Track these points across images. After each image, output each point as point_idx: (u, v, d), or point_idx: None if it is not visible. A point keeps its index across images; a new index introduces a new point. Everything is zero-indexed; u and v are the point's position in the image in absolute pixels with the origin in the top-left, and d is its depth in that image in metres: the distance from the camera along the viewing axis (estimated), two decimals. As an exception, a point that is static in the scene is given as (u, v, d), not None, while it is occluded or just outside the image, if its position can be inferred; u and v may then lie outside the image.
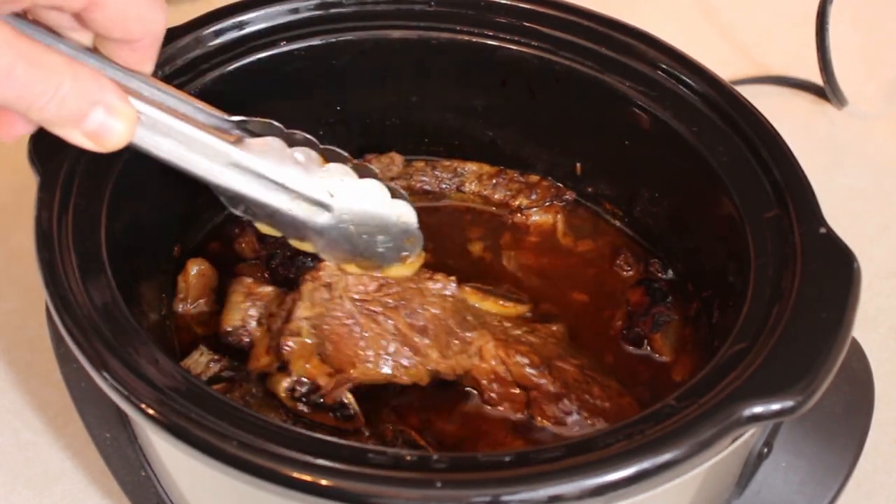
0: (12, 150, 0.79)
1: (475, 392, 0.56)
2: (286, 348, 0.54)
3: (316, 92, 0.65)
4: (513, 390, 0.56)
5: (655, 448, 0.42)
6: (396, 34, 0.63)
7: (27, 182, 0.52)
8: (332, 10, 0.63)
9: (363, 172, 0.54)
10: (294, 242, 0.55)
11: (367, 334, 0.55)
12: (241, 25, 0.61)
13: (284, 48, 0.62)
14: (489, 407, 0.56)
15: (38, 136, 0.53)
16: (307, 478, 0.41)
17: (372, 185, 0.52)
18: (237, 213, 0.52)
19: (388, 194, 0.53)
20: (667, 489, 0.44)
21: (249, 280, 0.58)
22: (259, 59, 0.61)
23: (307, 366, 0.53)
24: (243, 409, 0.45)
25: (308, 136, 0.52)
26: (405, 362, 0.55)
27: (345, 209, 0.52)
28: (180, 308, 0.60)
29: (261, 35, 0.61)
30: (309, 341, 0.54)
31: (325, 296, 0.55)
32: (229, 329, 0.57)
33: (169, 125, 0.48)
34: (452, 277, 0.58)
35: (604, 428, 0.44)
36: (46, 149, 0.52)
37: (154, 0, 0.45)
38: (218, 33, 0.61)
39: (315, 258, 0.56)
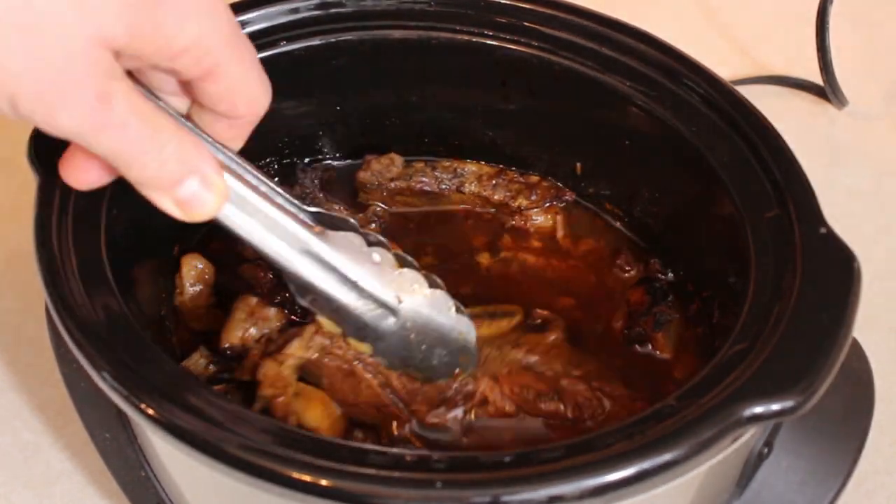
0: (12, 150, 0.79)
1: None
2: (261, 370, 0.54)
3: (316, 92, 0.65)
4: (524, 422, 0.55)
5: (655, 448, 0.42)
6: (396, 34, 0.63)
7: (27, 182, 0.52)
8: (332, 10, 0.63)
9: (431, 282, 0.52)
10: (352, 341, 0.53)
11: (360, 383, 0.54)
12: (240, 25, 0.61)
13: (284, 48, 0.61)
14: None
15: (38, 136, 0.53)
16: (307, 478, 0.41)
17: (440, 296, 0.51)
18: (303, 303, 0.50)
19: (454, 307, 0.52)
20: (667, 489, 0.44)
21: (255, 301, 0.58)
22: (259, 59, 0.61)
23: (270, 392, 0.53)
24: (243, 409, 0.45)
25: (381, 237, 0.51)
26: (389, 418, 0.54)
27: (410, 316, 0.51)
28: (177, 302, 0.60)
29: (261, 35, 0.61)
30: (286, 374, 0.54)
31: (325, 342, 0.54)
32: (227, 346, 0.57)
33: (256, 206, 0.47)
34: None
35: (603, 428, 0.44)
36: (46, 149, 0.52)
37: (263, 80, 0.44)
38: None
39: None
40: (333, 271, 0.49)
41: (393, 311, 0.51)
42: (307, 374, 0.55)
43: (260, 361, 0.55)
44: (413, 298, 0.51)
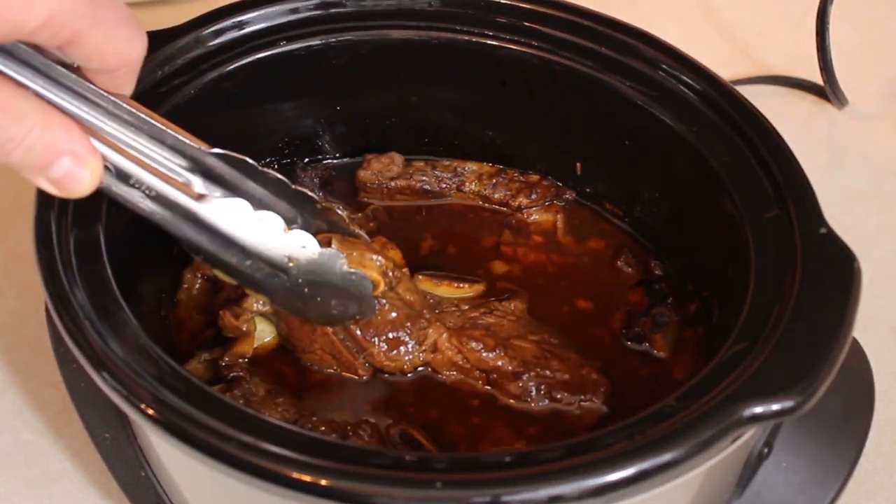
0: (12, 150, 0.79)
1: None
2: (221, 320, 0.57)
3: (316, 92, 0.65)
4: (473, 373, 0.56)
5: (655, 448, 0.42)
6: (396, 34, 0.63)
7: (27, 182, 0.52)
8: (332, 10, 0.63)
9: (329, 223, 0.55)
10: (249, 291, 0.56)
11: (315, 330, 0.56)
12: (240, 25, 0.61)
13: (284, 48, 0.62)
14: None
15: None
16: (307, 478, 0.41)
17: (330, 255, 0.53)
18: (197, 258, 0.53)
19: (346, 264, 0.53)
20: (667, 489, 0.44)
21: None
22: (259, 59, 0.61)
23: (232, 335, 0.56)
24: (243, 409, 0.45)
25: (280, 176, 0.52)
26: (345, 364, 0.56)
27: (301, 274, 0.53)
28: (181, 298, 0.60)
29: (260, 35, 0.61)
30: (243, 327, 0.57)
31: None
32: (203, 275, 0.60)
33: (137, 176, 0.48)
34: (406, 269, 0.58)
35: (604, 429, 0.44)
36: (46, 149, 0.52)
37: (131, 34, 0.45)
38: (218, 33, 0.61)
39: None
40: (217, 235, 0.51)
41: (283, 270, 0.52)
42: (266, 318, 0.58)
43: (220, 312, 0.57)
44: (303, 258, 0.52)
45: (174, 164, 0.50)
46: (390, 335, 0.56)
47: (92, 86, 0.46)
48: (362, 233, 0.56)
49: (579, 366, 0.57)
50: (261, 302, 0.56)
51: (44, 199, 0.51)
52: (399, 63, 0.64)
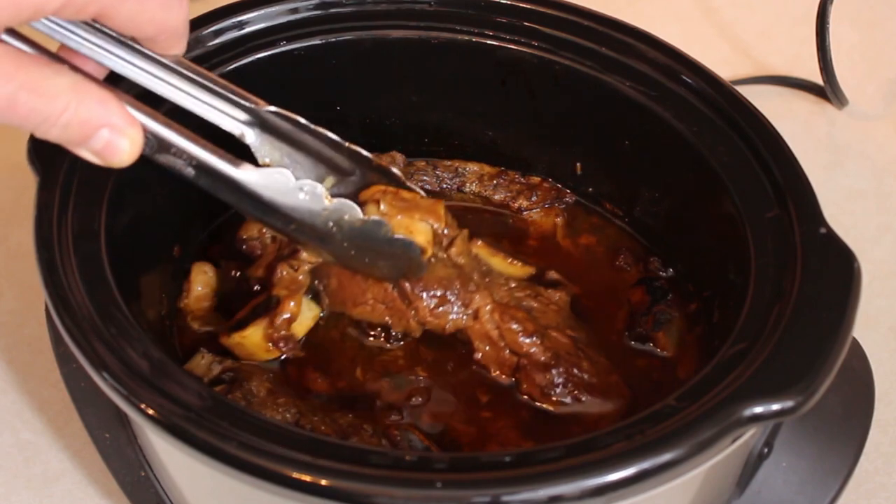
0: (12, 150, 0.79)
1: (484, 374, 0.57)
2: (278, 274, 0.56)
3: (316, 92, 0.65)
4: (503, 354, 0.56)
5: (655, 448, 0.42)
6: (396, 34, 0.63)
7: (27, 182, 0.52)
8: (332, 10, 0.63)
9: (386, 176, 0.56)
10: (299, 245, 0.57)
11: (369, 281, 0.56)
12: (240, 25, 0.61)
13: (284, 48, 0.62)
14: (477, 368, 0.57)
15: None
16: (307, 478, 0.41)
17: (373, 224, 0.53)
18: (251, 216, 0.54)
19: (390, 231, 0.54)
20: (667, 489, 0.44)
21: None
22: (259, 59, 0.61)
23: (291, 304, 0.56)
24: (243, 409, 0.45)
25: (332, 135, 0.54)
26: (398, 313, 0.57)
27: (346, 238, 0.54)
28: (182, 304, 0.60)
29: (260, 35, 0.61)
30: (301, 278, 0.56)
31: None
32: (245, 237, 0.60)
33: (179, 146, 0.49)
34: (465, 231, 0.59)
35: (603, 429, 0.44)
36: (46, 149, 0.52)
37: (166, 2, 0.46)
38: (217, 33, 0.61)
39: None
40: (259, 202, 0.52)
41: (328, 234, 0.53)
42: (318, 275, 0.58)
43: (275, 265, 0.57)
44: (346, 226, 0.53)
45: (230, 117, 0.52)
46: (438, 293, 0.56)
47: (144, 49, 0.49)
48: (418, 189, 0.57)
49: (608, 372, 0.57)
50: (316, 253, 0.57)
51: (44, 199, 0.51)
52: (399, 63, 0.64)
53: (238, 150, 0.53)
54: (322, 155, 0.55)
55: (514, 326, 0.56)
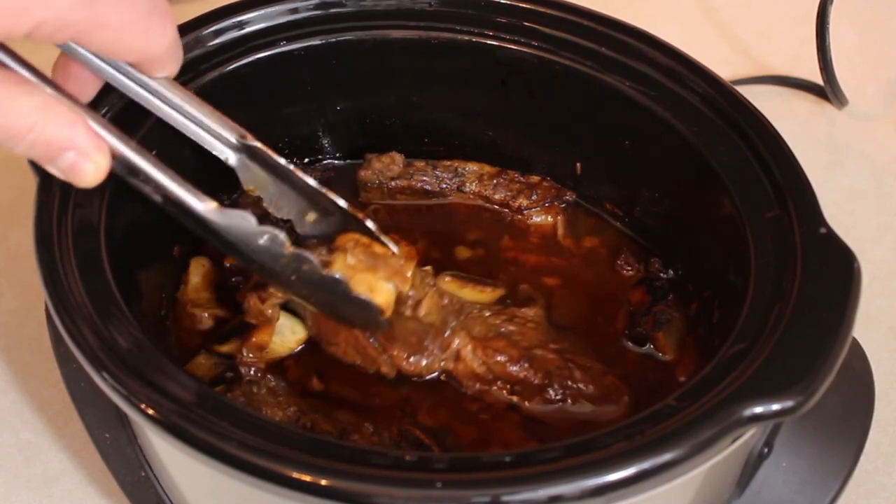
0: (12, 150, 0.79)
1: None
2: (246, 303, 0.56)
3: (316, 92, 0.65)
4: (495, 387, 0.56)
5: (655, 448, 0.42)
6: (396, 34, 0.63)
7: (27, 182, 0.52)
8: (332, 10, 0.63)
9: (359, 228, 0.55)
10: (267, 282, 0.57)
11: (342, 325, 0.56)
12: (240, 25, 0.61)
13: (284, 48, 0.61)
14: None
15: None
16: (307, 478, 0.41)
17: (333, 281, 0.53)
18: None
19: (349, 289, 0.53)
20: (667, 489, 0.44)
21: None
22: (259, 59, 0.61)
23: (263, 336, 0.56)
24: (243, 409, 0.45)
25: (311, 181, 0.55)
26: (368, 359, 0.56)
27: (306, 286, 0.54)
28: (180, 296, 0.60)
29: (260, 35, 0.61)
30: (269, 312, 0.56)
31: None
32: (230, 264, 0.61)
33: (146, 173, 0.49)
34: (428, 267, 0.58)
35: (603, 429, 0.44)
36: (46, 149, 0.52)
37: (146, 30, 0.45)
38: (217, 33, 0.61)
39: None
40: (222, 239, 0.51)
41: (288, 280, 0.53)
42: (293, 306, 0.57)
43: (247, 293, 0.57)
44: (305, 276, 0.53)
45: (217, 139, 0.53)
46: (413, 340, 0.56)
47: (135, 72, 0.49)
48: (392, 245, 0.55)
49: (602, 375, 0.56)
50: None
51: (44, 199, 0.51)
52: (399, 63, 0.64)
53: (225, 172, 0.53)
54: (305, 190, 0.55)
55: (500, 358, 0.56)
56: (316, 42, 0.62)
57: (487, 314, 0.58)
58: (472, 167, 0.67)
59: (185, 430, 0.43)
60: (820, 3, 0.81)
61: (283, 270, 0.52)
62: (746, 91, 0.60)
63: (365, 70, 0.64)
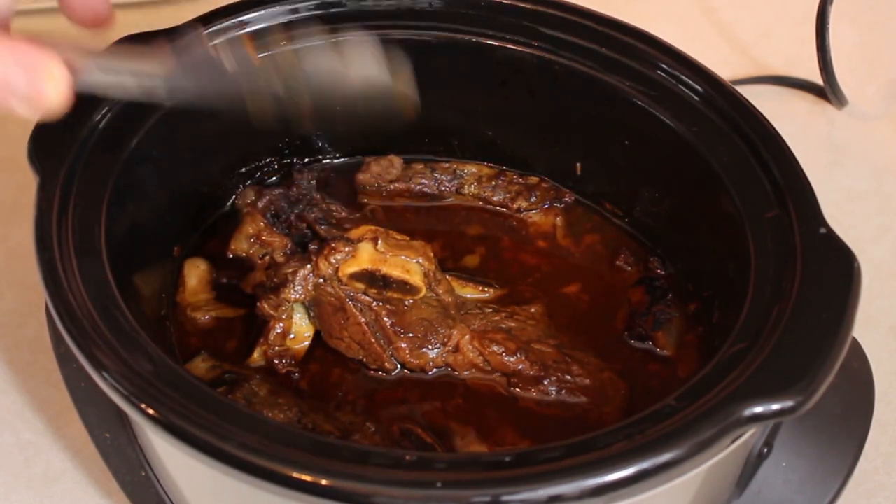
0: (12, 149, 0.79)
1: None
2: (259, 304, 0.57)
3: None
4: (493, 377, 0.57)
5: (655, 448, 0.42)
6: (396, 34, 0.63)
7: (27, 182, 0.52)
8: (332, 10, 0.63)
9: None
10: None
11: (348, 319, 0.56)
12: (241, 25, 0.61)
13: (284, 48, 0.61)
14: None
15: (38, 135, 0.53)
16: (307, 478, 0.41)
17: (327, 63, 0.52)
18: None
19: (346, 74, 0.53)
20: (667, 489, 0.44)
21: (263, 224, 0.61)
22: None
23: (280, 324, 0.57)
24: (243, 409, 0.45)
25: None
26: (372, 355, 0.57)
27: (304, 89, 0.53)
28: (178, 299, 0.60)
29: (261, 35, 0.61)
30: (282, 318, 0.57)
31: (318, 281, 0.56)
32: (233, 252, 0.61)
33: (108, 66, 0.48)
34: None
35: (603, 429, 0.44)
36: (46, 149, 0.52)
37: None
38: (217, 33, 0.61)
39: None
40: (202, 86, 0.50)
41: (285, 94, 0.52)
42: (302, 309, 0.58)
43: (260, 296, 0.57)
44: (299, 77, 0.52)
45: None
46: (419, 333, 0.56)
47: None
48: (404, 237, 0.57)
49: (599, 370, 0.57)
50: (299, 290, 0.56)
51: (44, 199, 0.51)
52: (399, 63, 0.64)
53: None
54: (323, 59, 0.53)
55: (496, 349, 0.56)
56: (316, 42, 0.62)
57: (488, 311, 0.59)
58: (471, 169, 0.67)
59: (185, 430, 0.43)
60: (820, 3, 0.81)
61: (271, 83, 0.51)
62: (746, 91, 0.60)
63: (365, 70, 0.64)
